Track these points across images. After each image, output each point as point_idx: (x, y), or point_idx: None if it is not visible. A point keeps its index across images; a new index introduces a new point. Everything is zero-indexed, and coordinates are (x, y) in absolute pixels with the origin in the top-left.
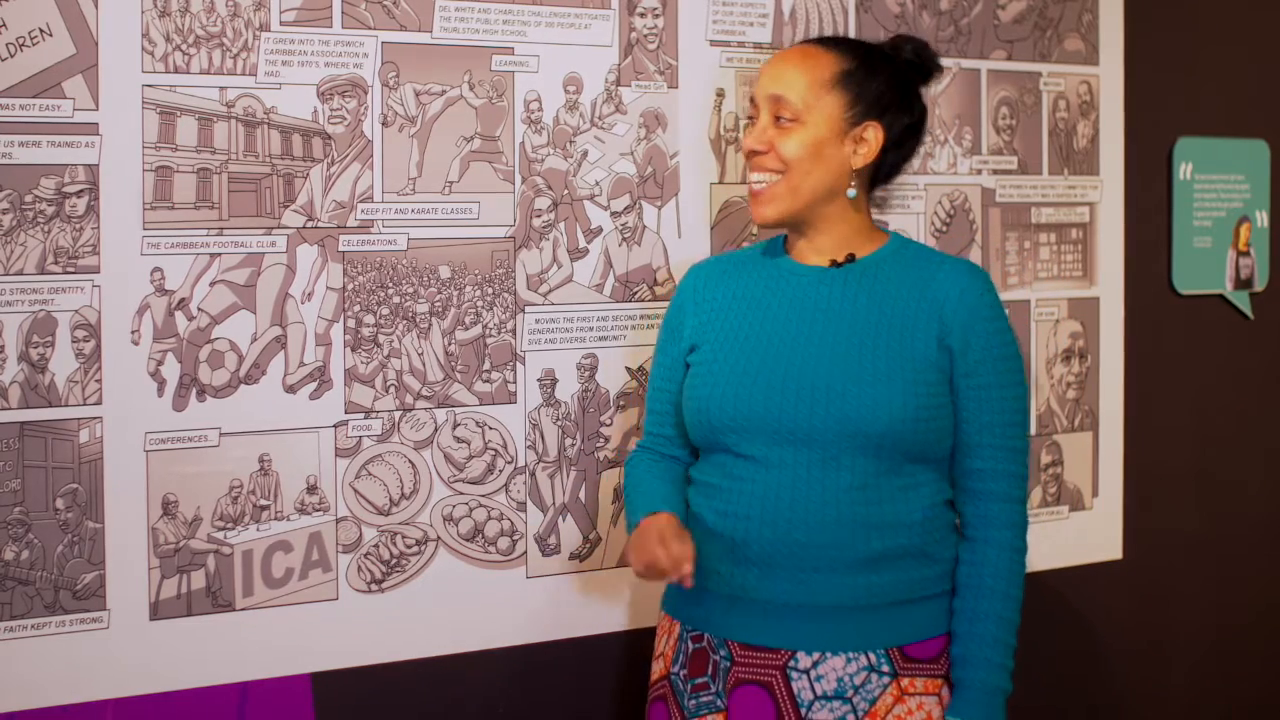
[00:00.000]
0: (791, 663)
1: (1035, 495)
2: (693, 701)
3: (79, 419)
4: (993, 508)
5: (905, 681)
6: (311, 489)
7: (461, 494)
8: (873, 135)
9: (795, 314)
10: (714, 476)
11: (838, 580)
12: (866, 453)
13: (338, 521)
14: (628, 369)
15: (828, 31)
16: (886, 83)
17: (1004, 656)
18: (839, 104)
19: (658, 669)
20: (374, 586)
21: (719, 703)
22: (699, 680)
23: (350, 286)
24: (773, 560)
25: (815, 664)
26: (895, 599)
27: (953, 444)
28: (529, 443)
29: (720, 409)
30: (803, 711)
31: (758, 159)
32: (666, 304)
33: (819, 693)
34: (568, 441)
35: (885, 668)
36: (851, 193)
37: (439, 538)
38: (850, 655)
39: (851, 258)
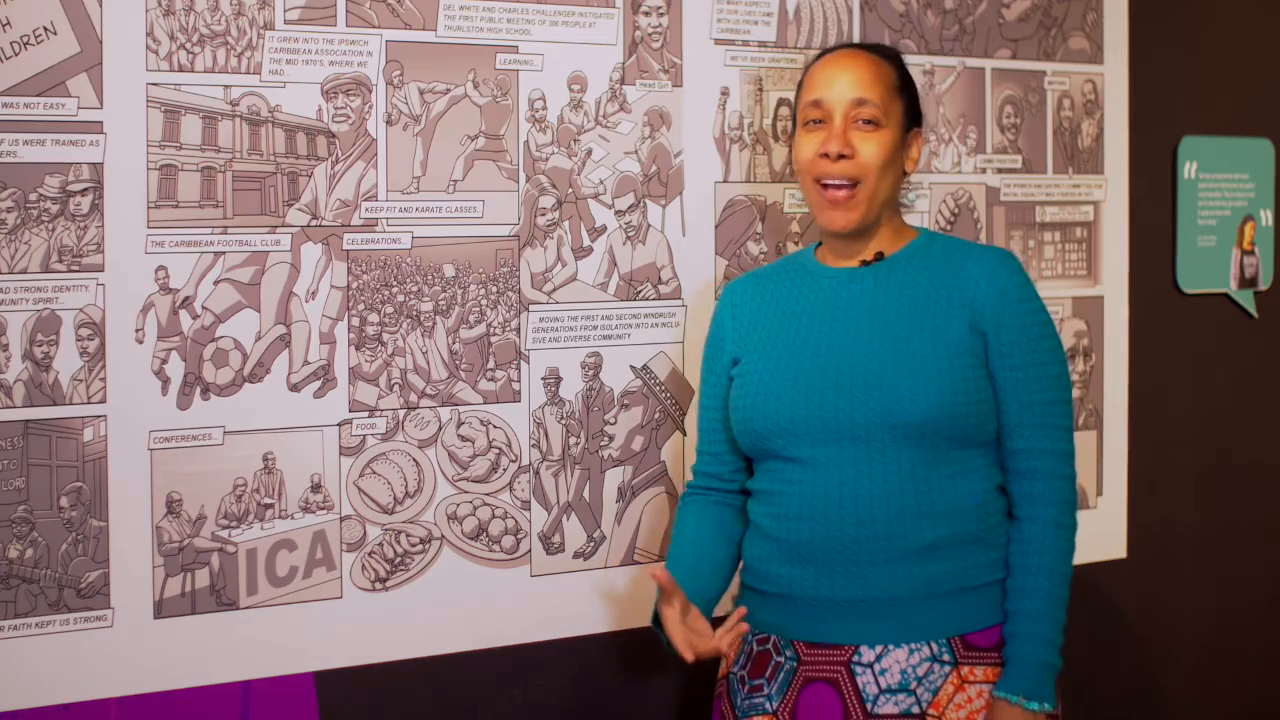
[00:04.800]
0: (855, 657)
1: None
2: (746, 701)
3: (83, 417)
4: (1037, 485)
5: (965, 670)
6: (316, 487)
7: (465, 492)
8: (918, 142)
9: (829, 315)
10: (767, 483)
11: (894, 572)
12: (910, 442)
13: (342, 520)
14: (632, 368)
15: (833, 31)
16: (915, 90)
17: (1052, 632)
18: (902, 110)
19: (722, 668)
20: (378, 585)
21: (768, 705)
22: (755, 682)
23: (354, 285)
24: (829, 558)
25: (878, 657)
26: (953, 587)
27: (997, 427)
28: (533, 441)
29: (764, 415)
30: (869, 706)
31: (843, 164)
32: (670, 302)
33: (883, 686)
34: (572, 440)
35: (946, 656)
36: (911, 196)
37: (443, 536)
38: (913, 646)
39: (880, 256)
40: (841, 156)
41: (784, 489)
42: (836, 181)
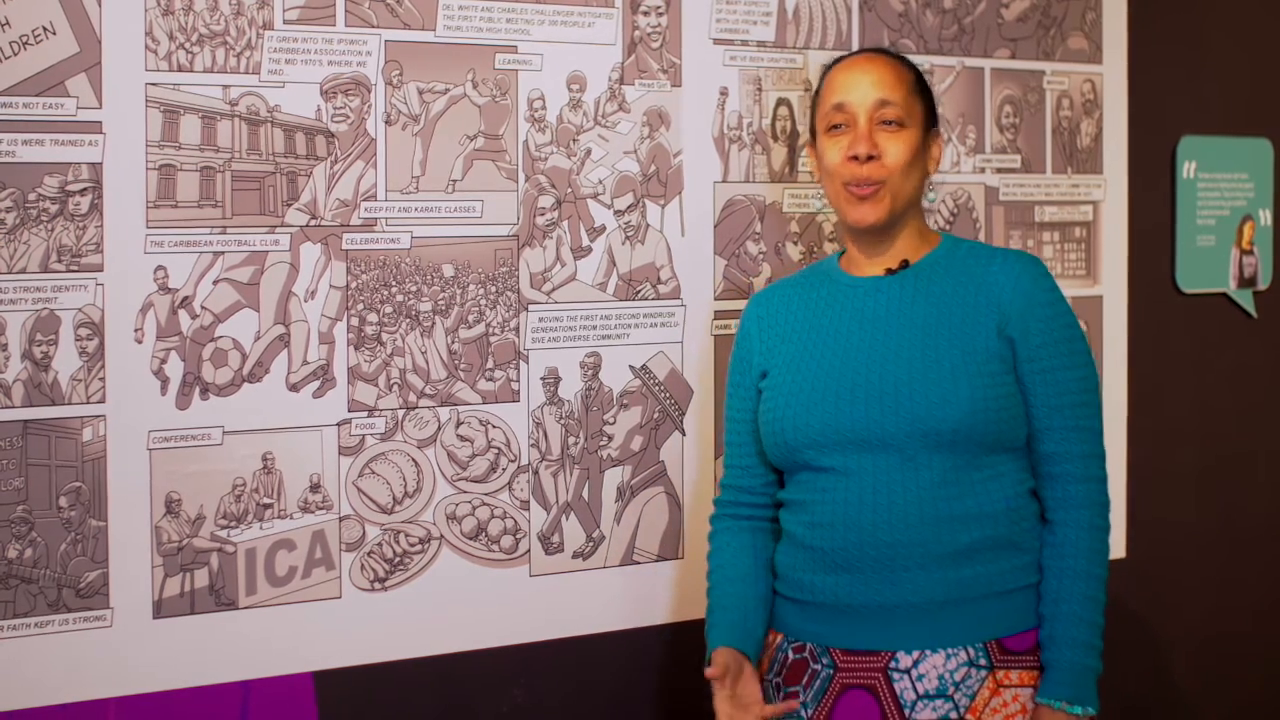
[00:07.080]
0: (892, 664)
1: None
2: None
3: (82, 417)
4: (1069, 489)
5: (1001, 674)
6: (315, 487)
7: (464, 492)
8: (938, 143)
9: (856, 325)
10: (799, 493)
11: (929, 577)
12: (942, 449)
13: (341, 520)
14: (631, 367)
15: (831, 31)
16: (931, 92)
17: (1090, 635)
18: (923, 111)
19: None
20: (377, 585)
21: (804, 713)
22: (791, 689)
23: (353, 285)
24: (862, 564)
25: (916, 663)
26: (988, 591)
27: (1028, 432)
28: (532, 441)
29: (794, 427)
30: (906, 712)
31: (871, 166)
32: (669, 302)
33: (921, 691)
34: (571, 440)
35: (983, 661)
36: (931, 197)
37: (442, 536)
38: (949, 651)
39: (906, 264)
40: (870, 158)
41: (817, 498)
42: (865, 183)
